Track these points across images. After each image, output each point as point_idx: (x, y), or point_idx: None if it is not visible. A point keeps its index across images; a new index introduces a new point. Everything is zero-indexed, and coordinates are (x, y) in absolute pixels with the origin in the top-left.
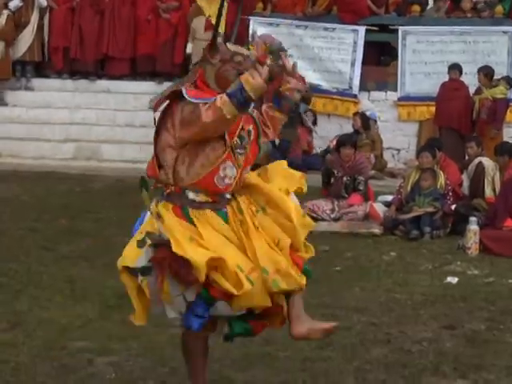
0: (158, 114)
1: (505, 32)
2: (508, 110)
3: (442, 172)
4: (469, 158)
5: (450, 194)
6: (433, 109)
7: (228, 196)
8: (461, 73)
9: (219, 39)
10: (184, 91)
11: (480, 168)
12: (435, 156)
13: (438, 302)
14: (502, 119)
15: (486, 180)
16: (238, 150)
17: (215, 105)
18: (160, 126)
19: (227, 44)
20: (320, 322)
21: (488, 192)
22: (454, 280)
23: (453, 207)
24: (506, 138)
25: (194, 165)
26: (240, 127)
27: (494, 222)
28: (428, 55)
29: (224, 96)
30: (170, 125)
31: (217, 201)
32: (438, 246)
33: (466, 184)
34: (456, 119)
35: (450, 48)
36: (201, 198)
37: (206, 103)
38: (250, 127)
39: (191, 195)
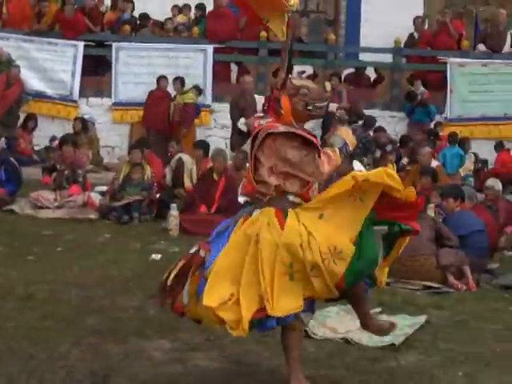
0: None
1: (201, 50)
2: (200, 114)
3: (148, 166)
4: (171, 155)
5: (155, 184)
6: (141, 113)
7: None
8: (167, 83)
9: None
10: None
11: (180, 163)
12: (143, 153)
13: (144, 276)
14: (190, 121)
15: (185, 173)
16: None
17: (331, 159)
18: (257, 151)
19: (292, 78)
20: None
21: (187, 182)
22: (157, 257)
23: (158, 196)
24: (199, 138)
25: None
26: None
27: (192, 208)
28: (137, 68)
29: (336, 151)
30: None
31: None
32: (145, 228)
33: (168, 176)
34: (161, 122)
35: (156, 62)
36: (297, 200)
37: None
38: None
39: (291, 198)
